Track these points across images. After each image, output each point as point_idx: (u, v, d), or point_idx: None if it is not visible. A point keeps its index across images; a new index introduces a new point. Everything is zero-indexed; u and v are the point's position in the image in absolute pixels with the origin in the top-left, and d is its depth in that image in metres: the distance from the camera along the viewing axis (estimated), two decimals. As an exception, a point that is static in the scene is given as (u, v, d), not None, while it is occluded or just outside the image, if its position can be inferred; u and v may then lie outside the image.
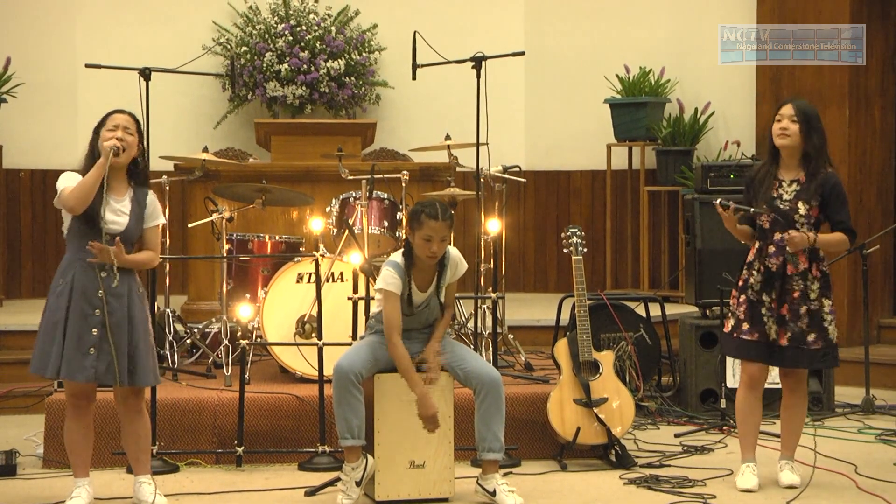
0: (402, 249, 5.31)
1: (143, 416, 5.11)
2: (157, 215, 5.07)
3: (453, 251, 5.33)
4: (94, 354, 4.83)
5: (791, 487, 5.40)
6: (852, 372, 7.45)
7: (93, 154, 4.96)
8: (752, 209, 5.31)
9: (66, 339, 4.84)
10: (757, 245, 5.40)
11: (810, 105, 5.44)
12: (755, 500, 5.30)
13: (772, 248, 5.34)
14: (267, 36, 9.63)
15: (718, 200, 5.34)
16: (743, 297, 5.40)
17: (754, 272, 5.39)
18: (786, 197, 5.35)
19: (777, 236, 5.30)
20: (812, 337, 5.33)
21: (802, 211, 5.31)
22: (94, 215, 4.85)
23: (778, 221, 5.29)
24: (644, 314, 7.28)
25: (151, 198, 5.06)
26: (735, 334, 5.41)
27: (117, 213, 4.92)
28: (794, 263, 5.32)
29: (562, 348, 6.01)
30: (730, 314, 5.48)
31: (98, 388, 5.06)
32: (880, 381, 7.62)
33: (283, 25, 9.63)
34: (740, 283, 5.44)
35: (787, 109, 5.36)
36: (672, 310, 7.83)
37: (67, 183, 4.89)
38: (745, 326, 5.38)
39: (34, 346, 4.95)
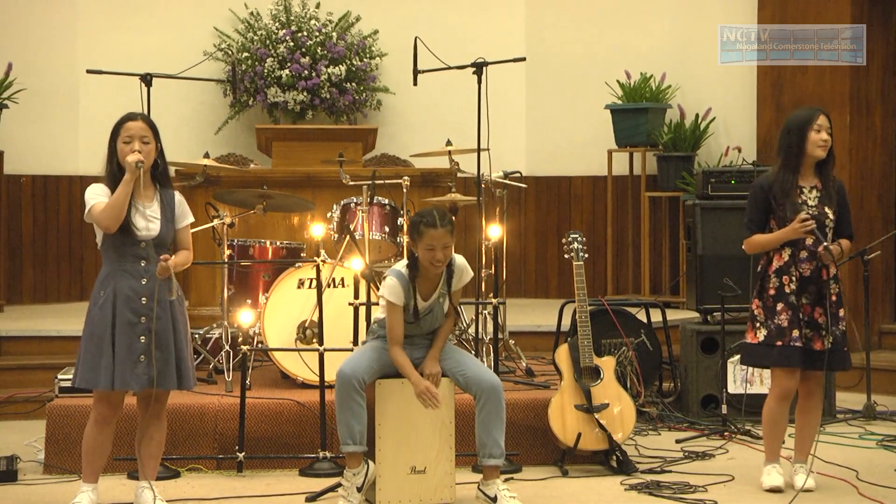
0: (406, 259, 5.30)
1: (162, 422, 5.10)
2: (187, 214, 5.07)
3: (459, 259, 5.33)
4: (144, 362, 4.84)
5: (808, 491, 5.39)
6: (854, 378, 7.45)
7: (112, 163, 4.93)
8: (824, 244, 5.28)
9: (116, 349, 4.83)
10: (788, 252, 5.39)
11: None
12: (756, 506, 5.33)
13: (804, 254, 5.35)
14: (268, 42, 9.64)
15: (804, 214, 5.32)
16: (781, 305, 5.37)
17: (791, 278, 5.38)
18: (810, 203, 5.39)
19: (808, 241, 5.32)
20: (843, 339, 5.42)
21: (831, 216, 5.38)
22: (127, 226, 4.85)
23: (816, 233, 5.31)
24: (645, 320, 7.27)
25: (179, 198, 5.06)
26: (779, 342, 5.35)
27: (148, 220, 4.91)
28: (827, 268, 5.36)
29: (563, 354, 6.00)
30: (757, 324, 5.43)
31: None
32: (882, 387, 7.63)
33: (284, 31, 9.64)
34: (772, 291, 5.40)
35: (825, 120, 5.41)
36: (673, 315, 7.83)
37: (96, 198, 4.87)
38: (795, 333, 5.33)
39: (77, 360, 4.93)
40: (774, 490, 5.43)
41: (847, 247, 5.47)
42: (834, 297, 5.37)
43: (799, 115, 5.47)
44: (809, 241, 5.33)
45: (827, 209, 5.38)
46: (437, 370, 5.25)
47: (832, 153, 5.43)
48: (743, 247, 5.52)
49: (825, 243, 5.27)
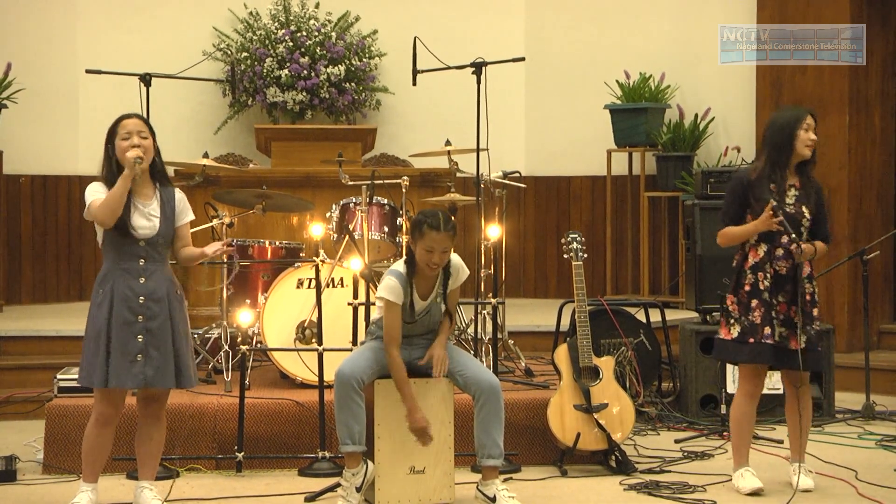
0: (404, 257, 5.31)
1: (161, 422, 5.10)
2: (187, 211, 5.07)
3: (455, 258, 5.32)
4: (141, 361, 4.84)
5: (807, 491, 5.39)
6: (853, 378, 7.46)
7: (110, 162, 4.94)
8: (791, 236, 5.26)
9: (112, 348, 4.84)
10: (764, 248, 5.39)
11: None
12: (755, 506, 5.33)
13: (780, 251, 5.35)
14: (267, 42, 9.65)
15: (773, 205, 5.29)
16: (755, 302, 5.37)
17: (766, 275, 5.38)
18: (788, 201, 5.37)
19: (784, 240, 5.31)
20: (818, 338, 5.41)
21: (808, 215, 5.36)
22: (125, 225, 4.85)
23: (784, 225, 5.30)
24: (644, 320, 7.27)
25: (179, 195, 5.06)
26: (751, 339, 5.36)
27: (148, 218, 4.92)
28: (802, 267, 5.35)
29: (562, 354, 6.00)
30: (731, 320, 5.43)
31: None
32: (881, 387, 7.62)
33: (283, 31, 9.64)
34: (747, 287, 5.39)
35: (812, 120, 5.41)
36: (672, 315, 7.83)
37: (94, 195, 4.88)
38: (767, 331, 5.33)
39: (81, 359, 4.94)
40: (756, 493, 5.39)
41: (822, 249, 5.43)
42: (808, 297, 5.35)
43: (787, 113, 5.45)
44: (785, 240, 5.31)
45: (804, 209, 5.36)
46: (443, 355, 5.24)
47: (814, 154, 5.41)
48: (717, 240, 5.52)
49: (799, 241, 5.25)
